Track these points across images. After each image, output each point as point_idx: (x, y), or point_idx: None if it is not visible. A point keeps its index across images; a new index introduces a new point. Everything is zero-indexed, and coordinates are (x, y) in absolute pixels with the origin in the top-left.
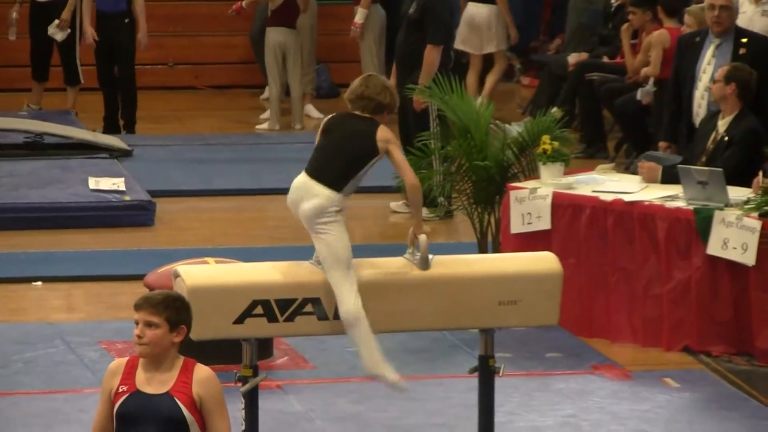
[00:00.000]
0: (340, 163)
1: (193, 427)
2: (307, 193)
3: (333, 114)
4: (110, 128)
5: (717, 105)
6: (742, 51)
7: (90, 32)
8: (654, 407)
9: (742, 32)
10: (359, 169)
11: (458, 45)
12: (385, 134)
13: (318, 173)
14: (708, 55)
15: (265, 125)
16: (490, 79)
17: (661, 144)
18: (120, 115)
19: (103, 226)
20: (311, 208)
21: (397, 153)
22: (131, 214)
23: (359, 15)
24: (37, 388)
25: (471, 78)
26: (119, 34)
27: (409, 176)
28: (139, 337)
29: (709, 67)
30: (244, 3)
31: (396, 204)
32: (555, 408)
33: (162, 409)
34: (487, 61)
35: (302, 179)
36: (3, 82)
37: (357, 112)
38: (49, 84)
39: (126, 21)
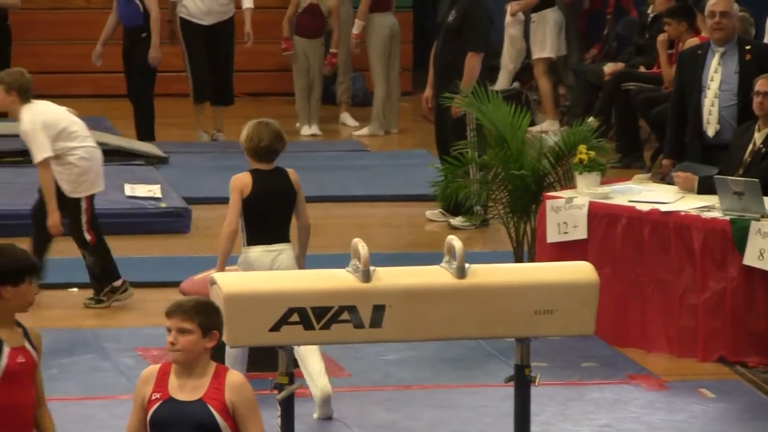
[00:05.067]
0: None
1: None
2: None
3: None
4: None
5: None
6: (747, 57)
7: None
8: (689, 417)
9: (743, 40)
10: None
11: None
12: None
13: None
14: (714, 64)
15: (365, 131)
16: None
17: (665, 162)
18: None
19: (138, 233)
20: None
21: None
22: (167, 221)
23: (355, 26)
24: (72, 394)
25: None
26: (135, 47)
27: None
28: (173, 344)
29: (716, 75)
30: (285, 34)
31: (432, 212)
32: (590, 417)
33: (195, 416)
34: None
35: None
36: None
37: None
38: (83, 90)
39: (143, 35)
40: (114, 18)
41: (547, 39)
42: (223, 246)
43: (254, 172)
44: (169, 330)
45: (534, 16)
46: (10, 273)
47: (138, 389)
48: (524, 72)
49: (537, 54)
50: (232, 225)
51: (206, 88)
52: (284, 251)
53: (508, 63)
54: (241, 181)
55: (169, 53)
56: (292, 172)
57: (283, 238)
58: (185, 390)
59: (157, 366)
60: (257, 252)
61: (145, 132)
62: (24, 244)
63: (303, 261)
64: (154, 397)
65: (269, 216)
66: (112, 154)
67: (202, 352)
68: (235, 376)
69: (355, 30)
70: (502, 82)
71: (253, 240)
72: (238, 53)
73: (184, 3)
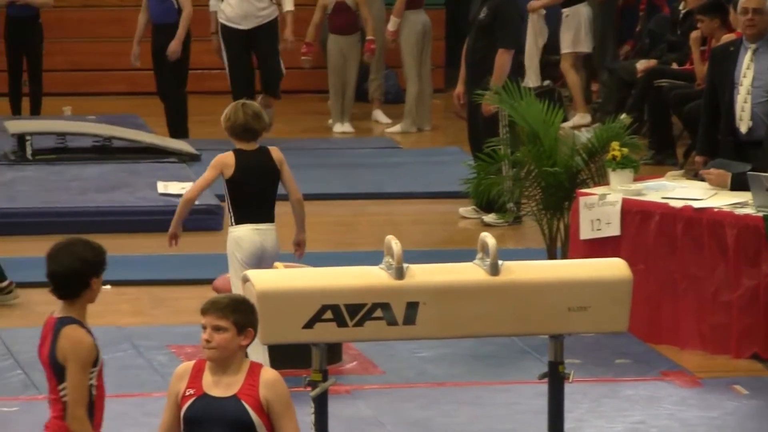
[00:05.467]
0: None
1: (260, 430)
2: None
3: None
4: (177, 134)
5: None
6: None
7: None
8: (723, 414)
9: None
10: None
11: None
12: (281, 156)
13: None
14: (746, 60)
15: (397, 128)
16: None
17: (698, 158)
18: (169, 122)
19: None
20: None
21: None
22: (200, 219)
23: (391, 23)
24: (106, 391)
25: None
26: (168, 44)
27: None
28: (208, 341)
29: (749, 72)
30: (308, 39)
31: (465, 209)
32: (624, 414)
33: (229, 412)
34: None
35: None
36: (70, 86)
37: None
38: (115, 88)
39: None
40: (145, 16)
41: (579, 34)
42: (177, 209)
43: (237, 152)
44: (204, 327)
45: (566, 11)
46: (99, 264)
47: (172, 385)
48: (551, 68)
49: (566, 49)
50: (191, 193)
51: (246, 90)
52: (271, 230)
53: (532, 59)
54: (223, 161)
55: (200, 51)
56: (274, 150)
57: (269, 217)
58: (219, 386)
59: (192, 362)
60: (245, 231)
61: (179, 129)
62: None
63: (303, 235)
64: (187, 393)
65: (254, 194)
66: (144, 152)
67: (237, 349)
68: (269, 373)
69: (391, 27)
70: (533, 78)
71: (240, 219)
72: None
73: (222, 7)
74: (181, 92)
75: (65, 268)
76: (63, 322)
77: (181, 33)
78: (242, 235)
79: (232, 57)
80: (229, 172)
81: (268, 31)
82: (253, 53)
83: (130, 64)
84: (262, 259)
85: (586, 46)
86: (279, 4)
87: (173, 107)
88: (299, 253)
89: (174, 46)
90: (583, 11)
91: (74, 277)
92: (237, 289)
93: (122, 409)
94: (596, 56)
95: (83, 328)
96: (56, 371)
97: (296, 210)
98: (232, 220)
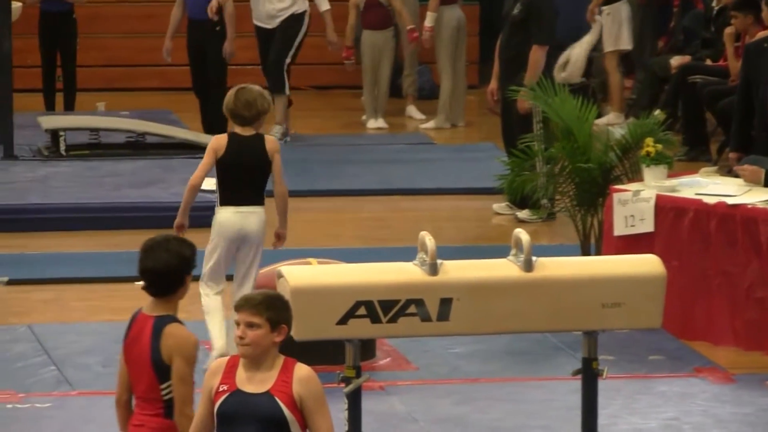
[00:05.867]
0: None
1: (294, 427)
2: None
3: None
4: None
5: None
6: None
7: (167, 46)
8: (756, 411)
9: None
10: None
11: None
12: (274, 146)
13: None
14: None
15: (431, 123)
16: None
17: (732, 155)
18: (204, 117)
19: (204, 226)
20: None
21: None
22: None
23: (428, 19)
24: None
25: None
26: (210, 41)
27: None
28: (241, 338)
29: None
30: (347, 42)
31: (499, 206)
32: (657, 411)
33: (262, 409)
34: None
35: None
36: (104, 81)
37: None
38: (149, 83)
39: (217, 29)
40: (179, 10)
41: (620, 32)
42: (184, 196)
43: (231, 135)
44: (238, 324)
45: (606, 8)
46: (192, 261)
47: (206, 381)
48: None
49: (610, 47)
50: (195, 180)
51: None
52: (254, 213)
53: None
54: (218, 142)
55: (237, 47)
56: (269, 140)
57: (255, 201)
58: (253, 382)
59: (226, 358)
60: (227, 213)
61: (218, 126)
62: (125, 237)
63: (283, 230)
64: (221, 389)
65: (240, 178)
66: (178, 147)
67: (271, 346)
68: (303, 370)
69: (428, 22)
70: (576, 75)
71: (224, 201)
72: (306, 46)
73: (252, 7)
74: (223, 90)
75: (162, 265)
76: (164, 321)
77: (230, 33)
78: (223, 218)
79: (260, 54)
80: (221, 153)
81: (280, 26)
82: None
83: (164, 59)
84: (244, 241)
85: (627, 44)
86: (315, 4)
87: (214, 104)
88: (277, 246)
89: (229, 48)
90: (623, 9)
91: (171, 274)
92: (206, 265)
93: None
94: (633, 54)
95: (183, 325)
96: (160, 370)
97: (278, 203)
98: (218, 201)
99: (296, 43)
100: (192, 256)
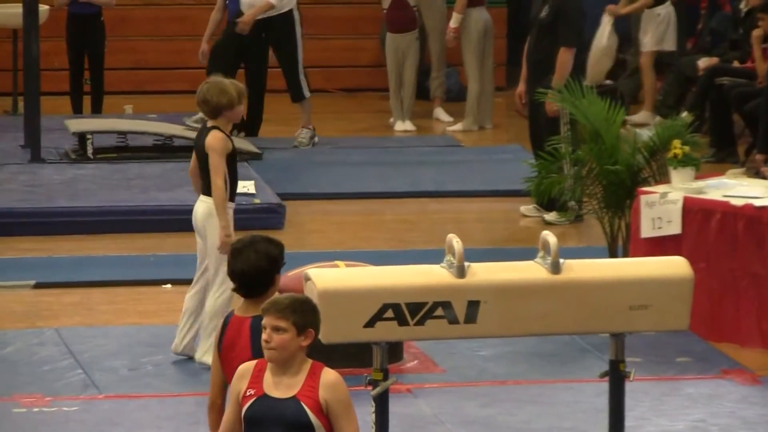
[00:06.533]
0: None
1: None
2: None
3: None
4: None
5: None
6: None
7: (203, 48)
8: None
9: None
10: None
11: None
12: (209, 141)
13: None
14: None
15: (459, 126)
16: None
17: (759, 156)
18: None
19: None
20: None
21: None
22: (261, 217)
23: (454, 20)
24: (166, 390)
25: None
26: (255, 44)
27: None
28: (267, 342)
29: None
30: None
31: (526, 208)
32: (685, 412)
33: (288, 414)
34: None
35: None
36: (132, 84)
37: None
38: (177, 86)
39: (263, 35)
40: (219, 14)
41: (666, 33)
42: (221, 212)
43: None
44: (265, 327)
45: (658, 9)
46: (281, 260)
47: (234, 385)
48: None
49: (652, 47)
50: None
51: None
52: (201, 203)
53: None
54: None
55: None
56: (210, 135)
57: (205, 191)
58: (280, 387)
59: (254, 362)
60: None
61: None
62: (153, 240)
63: (220, 227)
64: (248, 393)
65: (197, 167)
66: None
67: (297, 350)
68: (330, 375)
69: (453, 23)
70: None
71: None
72: (334, 48)
73: None
74: (260, 91)
75: (252, 267)
76: (261, 320)
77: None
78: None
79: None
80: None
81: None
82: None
83: (195, 62)
84: (196, 229)
85: (671, 45)
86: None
87: (252, 107)
88: (219, 250)
89: (243, 18)
90: (670, 11)
91: (261, 275)
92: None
93: (183, 409)
94: (663, 55)
95: None
96: None
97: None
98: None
99: (299, 44)
100: (280, 255)
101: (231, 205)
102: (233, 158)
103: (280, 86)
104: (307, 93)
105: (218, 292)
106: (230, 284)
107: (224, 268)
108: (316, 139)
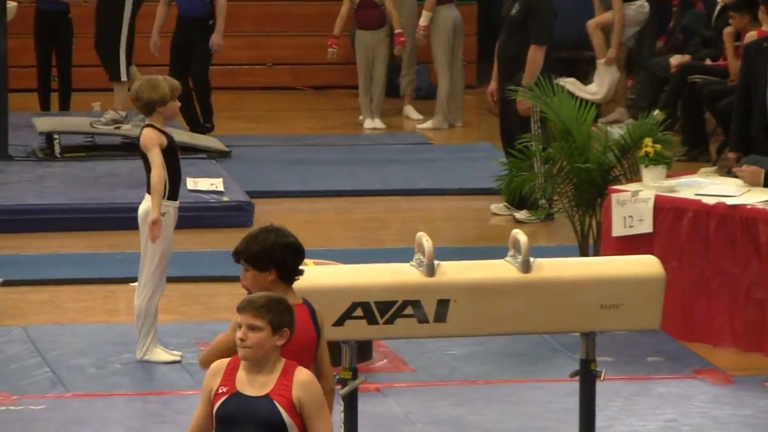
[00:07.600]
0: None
1: (292, 431)
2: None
3: None
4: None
5: None
6: None
7: (154, 41)
8: (756, 412)
9: None
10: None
11: None
12: (142, 140)
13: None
14: None
15: (428, 124)
16: None
17: (731, 155)
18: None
19: (201, 227)
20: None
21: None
22: (229, 215)
23: (423, 18)
24: (134, 389)
25: None
26: (199, 35)
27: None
28: (242, 340)
29: None
30: (335, 31)
31: (496, 206)
32: (656, 412)
33: (261, 412)
34: None
35: None
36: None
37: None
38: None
39: (210, 23)
40: (165, 8)
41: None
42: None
43: None
44: (240, 326)
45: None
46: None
47: (206, 382)
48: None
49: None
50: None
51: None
52: (144, 201)
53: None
54: None
55: (230, 46)
56: (143, 133)
57: (147, 188)
58: (253, 385)
59: (227, 360)
60: None
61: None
62: (121, 238)
63: (155, 213)
64: (220, 391)
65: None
66: None
67: (272, 349)
68: (303, 374)
69: (422, 21)
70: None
71: None
72: (303, 46)
73: None
74: (204, 83)
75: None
76: (310, 302)
77: (220, 25)
78: None
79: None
80: None
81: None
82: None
83: (157, 58)
84: (140, 227)
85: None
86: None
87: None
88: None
89: (216, 40)
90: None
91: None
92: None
93: (151, 408)
94: (634, 53)
95: None
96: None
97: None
98: None
99: (125, 23)
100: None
101: (172, 204)
102: (172, 154)
103: (250, 83)
104: (124, 77)
105: (150, 291)
106: (163, 285)
107: (159, 268)
108: (124, 128)
